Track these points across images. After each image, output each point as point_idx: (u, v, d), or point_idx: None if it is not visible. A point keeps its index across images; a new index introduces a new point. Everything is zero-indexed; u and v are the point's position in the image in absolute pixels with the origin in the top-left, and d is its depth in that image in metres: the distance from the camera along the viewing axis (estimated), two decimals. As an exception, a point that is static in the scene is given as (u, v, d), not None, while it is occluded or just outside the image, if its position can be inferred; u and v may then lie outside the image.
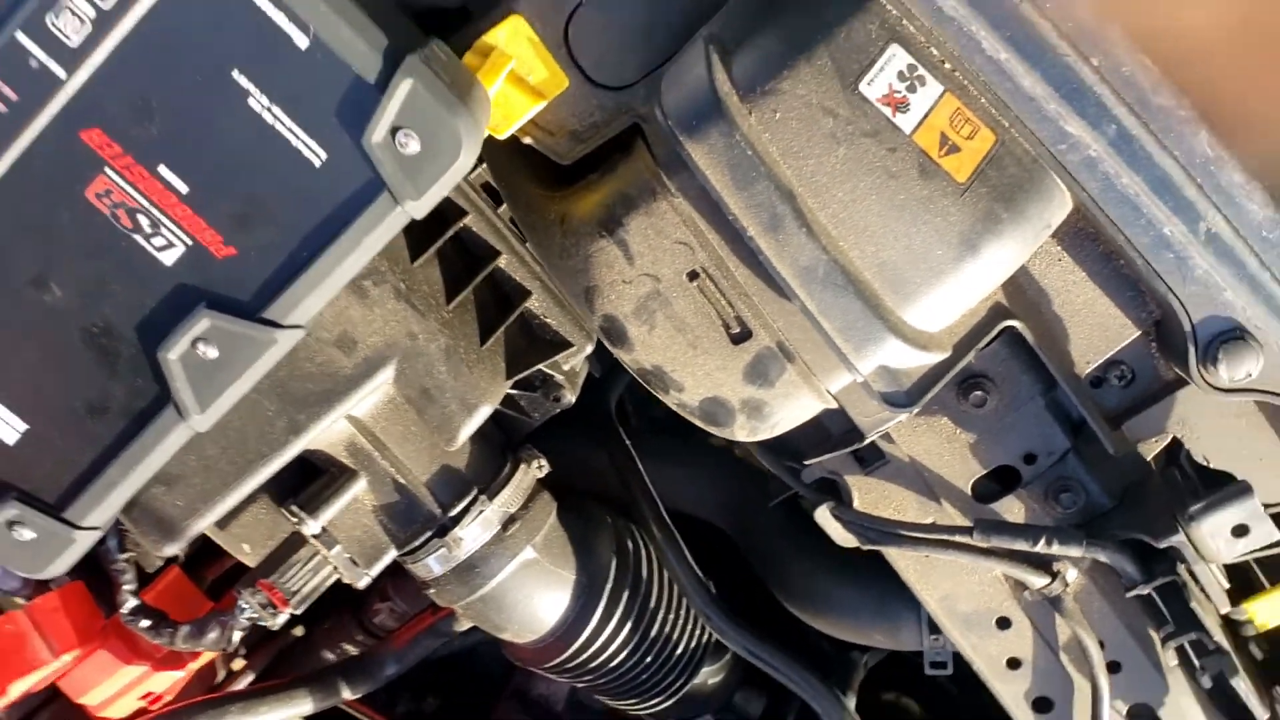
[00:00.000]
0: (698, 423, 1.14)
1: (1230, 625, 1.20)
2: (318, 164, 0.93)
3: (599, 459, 1.48)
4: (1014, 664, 1.28)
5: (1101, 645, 1.23)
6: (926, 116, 0.98)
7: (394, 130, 0.91)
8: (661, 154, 1.04)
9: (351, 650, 1.59)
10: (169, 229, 0.95)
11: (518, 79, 1.05)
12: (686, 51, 1.01)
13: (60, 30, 0.90)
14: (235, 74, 0.91)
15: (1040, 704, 1.29)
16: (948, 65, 0.98)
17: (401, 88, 0.90)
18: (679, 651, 1.44)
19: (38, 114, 0.92)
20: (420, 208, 0.94)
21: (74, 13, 0.90)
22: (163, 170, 0.94)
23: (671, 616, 1.42)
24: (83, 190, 0.94)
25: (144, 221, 0.95)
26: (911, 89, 0.99)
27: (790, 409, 1.11)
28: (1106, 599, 1.24)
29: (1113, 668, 1.25)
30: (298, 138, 0.92)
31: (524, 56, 1.04)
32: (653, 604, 1.39)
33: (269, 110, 0.92)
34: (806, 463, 1.23)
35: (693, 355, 1.10)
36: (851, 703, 1.53)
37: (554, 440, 1.38)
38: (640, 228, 1.06)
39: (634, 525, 1.43)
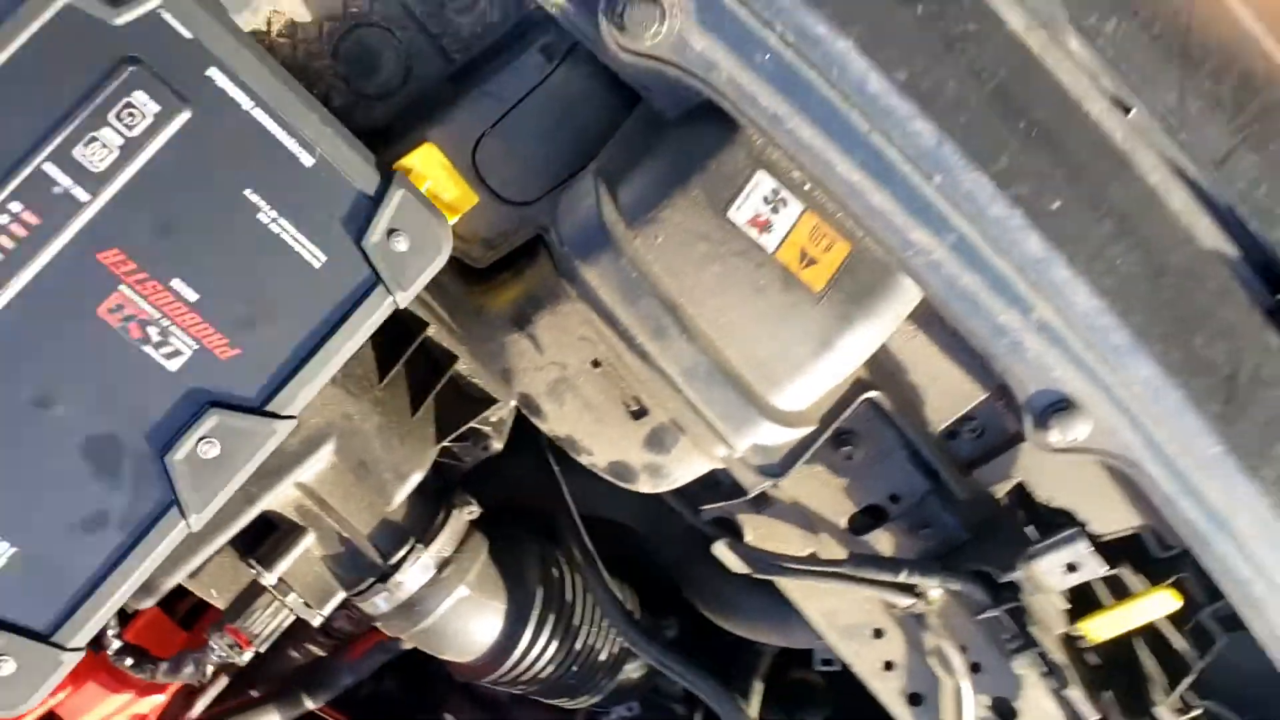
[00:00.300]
0: (606, 479, 1.30)
1: (1069, 640, 1.39)
2: (318, 265, 1.05)
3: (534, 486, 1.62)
4: (889, 666, 1.44)
5: (964, 649, 1.42)
6: (788, 235, 1.12)
7: (389, 232, 1.05)
8: (561, 265, 1.17)
9: (314, 650, 1.75)
10: (178, 336, 1.02)
11: (433, 196, 1.17)
12: (578, 183, 1.14)
13: (87, 158, 0.97)
14: (248, 190, 1.02)
15: (913, 698, 1.46)
16: (808, 185, 1.12)
17: (396, 197, 1.06)
18: (602, 658, 1.60)
19: (57, 236, 0.97)
20: (407, 296, 1.09)
21: (103, 143, 0.98)
22: (175, 283, 1.01)
23: (595, 629, 1.57)
24: (95, 307, 0.99)
25: (153, 332, 1.01)
26: (775, 210, 1.12)
27: (685, 470, 1.26)
28: (966, 612, 1.41)
29: (975, 668, 1.41)
30: (300, 243, 1.04)
31: (437, 178, 1.17)
32: (576, 621, 1.54)
33: (276, 221, 1.03)
34: (703, 507, 1.40)
35: (599, 428, 1.25)
36: (760, 688, 1.72)
37: (496, 467, 1.52)
38: (547, 324, 1.21)
39: (560, 551, 1.58)
